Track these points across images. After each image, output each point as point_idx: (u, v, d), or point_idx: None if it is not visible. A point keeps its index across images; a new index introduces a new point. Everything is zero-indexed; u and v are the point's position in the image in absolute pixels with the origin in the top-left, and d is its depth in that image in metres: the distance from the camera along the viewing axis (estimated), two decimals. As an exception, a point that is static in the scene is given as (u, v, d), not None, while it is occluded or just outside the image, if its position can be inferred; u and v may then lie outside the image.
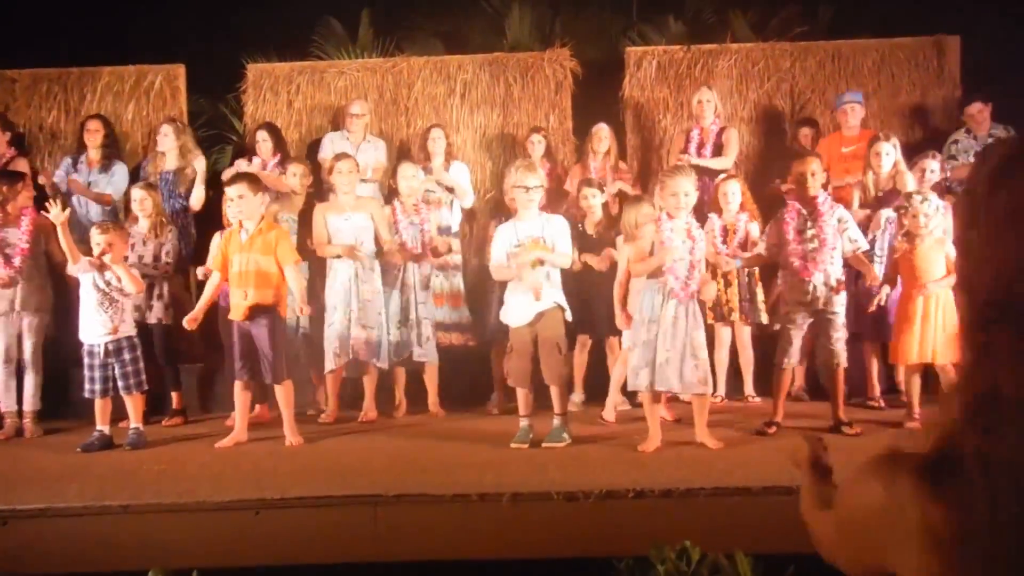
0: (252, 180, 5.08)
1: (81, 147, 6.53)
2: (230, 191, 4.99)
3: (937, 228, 4.80)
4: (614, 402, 5.31)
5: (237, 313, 4.97)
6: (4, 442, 5.41)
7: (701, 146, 6.43)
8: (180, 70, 7.43)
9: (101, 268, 5.00)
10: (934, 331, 4.74)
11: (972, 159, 6.12)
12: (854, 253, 4.85)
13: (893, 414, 5.16)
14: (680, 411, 5.18)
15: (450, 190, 6.38)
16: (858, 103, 6.46)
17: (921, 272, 4.79)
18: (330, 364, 5.60)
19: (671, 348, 4.42)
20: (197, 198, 6.41)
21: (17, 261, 5.52)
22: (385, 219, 5.77)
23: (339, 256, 5.59)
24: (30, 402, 5.58)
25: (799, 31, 8.06)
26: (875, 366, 5.58)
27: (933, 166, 5.56)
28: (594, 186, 5.80)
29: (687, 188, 4.49)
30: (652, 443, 4.47)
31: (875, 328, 5.47)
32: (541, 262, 4.61)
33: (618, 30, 8.77)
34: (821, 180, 4.87)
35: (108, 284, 5.04)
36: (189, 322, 4.95)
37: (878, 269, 5.23)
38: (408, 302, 5.74)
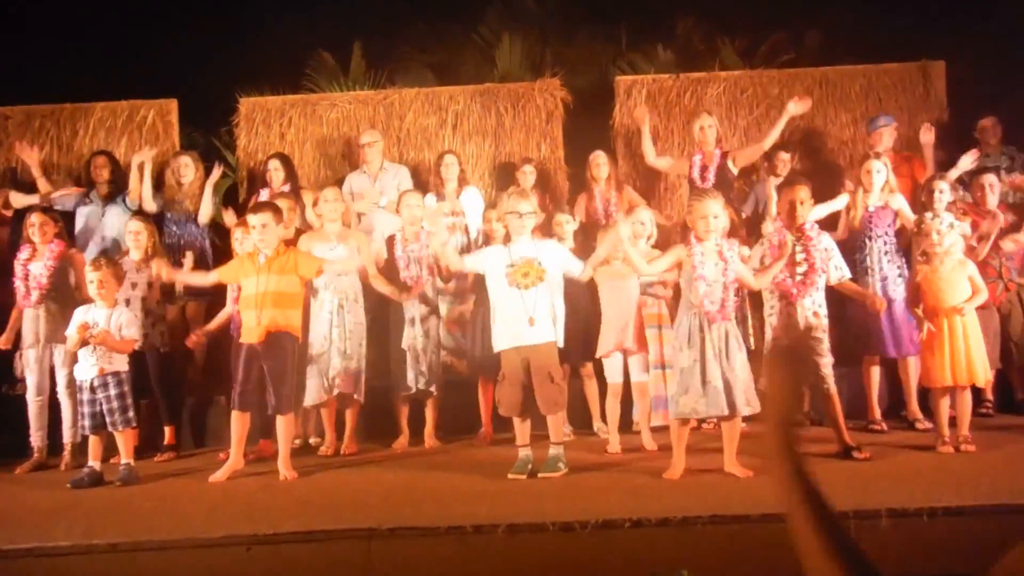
0: (275, 210, 5.09)
1: (88, 183, 6.62)
2: (253, 219, 4.97)
3: (955, 247, 4.83)
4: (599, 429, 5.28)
5: (251, 336, 4.89)
6: (22, 475, 5.38)
7: (704, 171, 6.47)
8: (173, 104, 7.47)
9: (85, 344, 4.97)
10: (964, 352, 4.73)
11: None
12: (840, 281, 4.93)
13: (897, 437, 5.13)
14: (662, 439, 5.14)
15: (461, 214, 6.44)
16: (892, 126, 6.53)
17: (945, 294, 4.79)
18: (311, 398, 5.55)
19: (719, 373, 4.38)
20: (205, 212, 6.48)
21: (35, 296, 5.53)
22: (371, 250, 5.76)
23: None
24: (69, 433, 5.56)
25: (787, 58, 8.16)
26: (875, 388, 5.56)
27: (942, 186, 5.59)
28: (566, 212, 5.90)
29: (716, 211, 4.51)
30: (677, 470, 4.44)
31: (872, 344, 5.47)
32: (540, 279, 4.61)
33: (608, 59, 8.85)
34: (809, 208, 4.92)
35: (96, 327, 5.02)
36: (197, 335, 4.91)
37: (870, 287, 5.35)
38: (415, 334, 5.71)
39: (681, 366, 4.48)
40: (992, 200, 5.85)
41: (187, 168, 6.59)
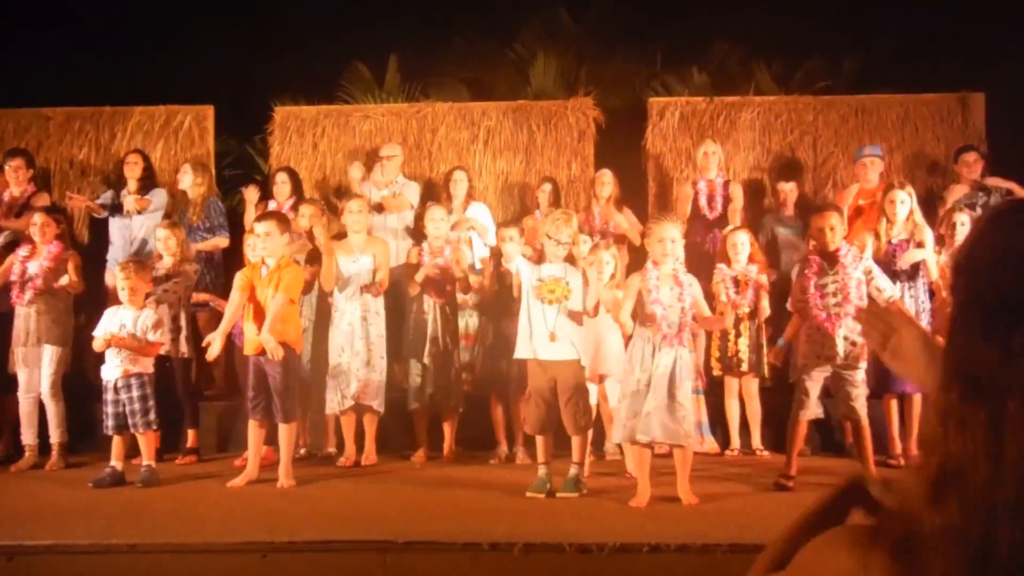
0: (280, 219, 5.14)
1: (121, 180, 6.68)
2: (258, 227, 5.04)
3: None
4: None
5: (250, 347, 4.99)
6: (18, 475, 5.41)
7: (710, 199, 6.42)
8: (209, 111, 7.57)
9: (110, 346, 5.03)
10: None
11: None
12: (889, 302, 4.74)
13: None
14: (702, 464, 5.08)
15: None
16: (877, 157, 6.44)
17: None
18: (332, 407, 5.56)
19: (658, 397, 4.32)
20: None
21: (28, 295, 5.60)
22: (388, 261, 5.79)
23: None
24: (55, 434, 5.61)
25: (823, 84, 8.09)
26: (895, 422, 5.45)
27: (963, 219, 5.50)
28: (512, 227, 5.76)
29: (673, 235, 4.47)
30: (642, 498, 4.34)
31: (888, 380, 5.37)
32: (565, 297, 4.59)
33: (642, 80, 8.83)
34: (841, 234, 4.83)
35: (122, 328, 5.08)
36: (211, 353, 4.94)
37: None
38: (434, 345, 5.70)
39: (630, 390, 4.41)
40: (959, 239, 5.59)
41: (185, 175, 6.62)
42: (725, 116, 7.44)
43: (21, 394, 5.67)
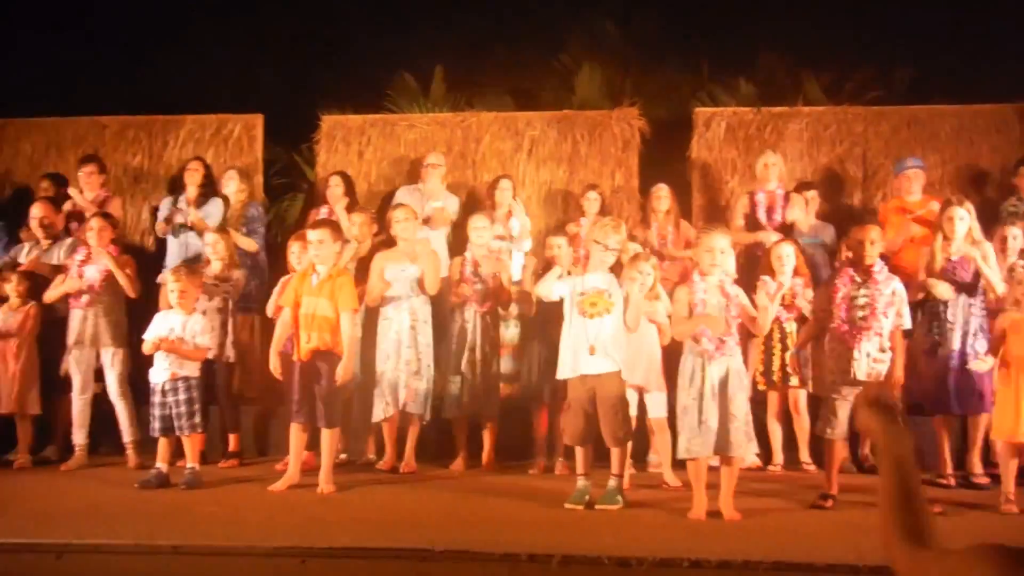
0: (334, 228, 5.20)
1: (180, 187, 6.78)
2: (311, 235, 5.09)
3: None
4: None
5: (301, 354, 5.02)
6: (68, 474, 5.54)
7: (771, 211, 6.33)
8: (258, 119, 7.69)
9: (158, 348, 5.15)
10: None
11: None
12: (896, 329, 4.66)
13: (964, 494, 4.88)
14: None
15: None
16: (920, 168, 6.30)
17: None
18: (379, 414, 5.59)
19: (713, 410, 4.28)
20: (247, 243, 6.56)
21: (85, 298, 5.73)
22: (435, 270, 5.80)
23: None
24: (128, 432, 5.75)
25: (874, 95, 7.95)
26: (946, 442, 5.28)
27: (1015, 232, 5.36)
28: (560, 236, 5.77)
29: (722, 245, 4.42)
30: (699, 510, 4.32)
31: (940, 401, 5.22)
32: (608, 310, 4.55)
33: (688, 90, 8.78)
34: (880, 249, 4.75)
35: (171, 332, 5.18)
36: (274, 370, 5.01)
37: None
38: (473, 354, 5.72)
39: (682, 404, 4.38)
40: (1011, 255, 5.41)
41: (230, 181, 6.72)
42: (772, 127, 7.34)
43: (75, 395, 5.79)
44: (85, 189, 6.66)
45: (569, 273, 5.15)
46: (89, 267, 5.80)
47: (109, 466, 5.70)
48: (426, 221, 6.51)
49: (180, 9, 10.08)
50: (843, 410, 4.62)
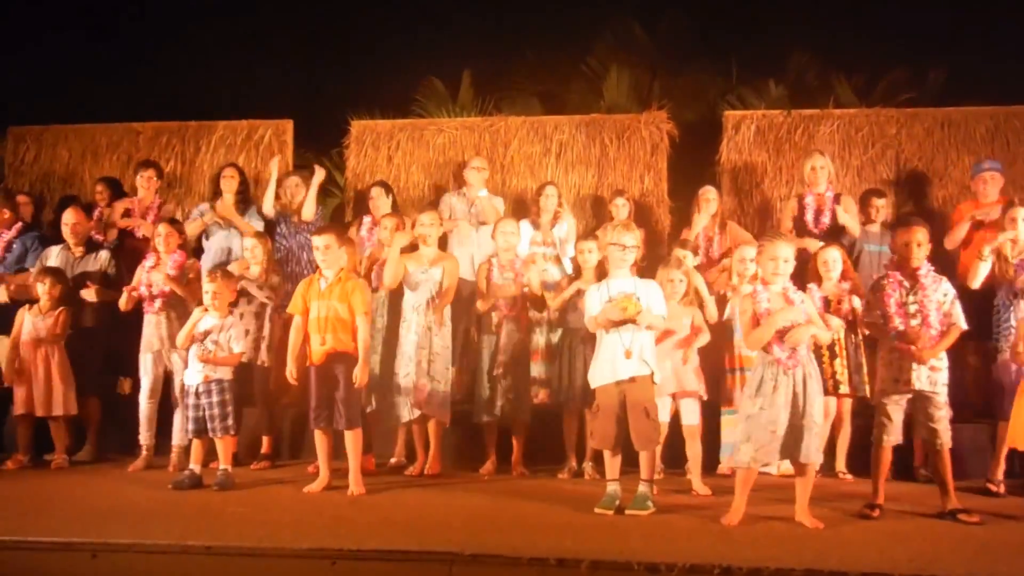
0: (339, 233, 5.25)
1: (216, 193, 6.85)
2: (317, 240, 5.14)
3: None
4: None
5: (315, 357, 5.08)
6: (118, 475, 5.62)
7: (819, 214, 6.27)
8: (288, 125, 7.78)
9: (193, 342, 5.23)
10: None
11: None
12: (952, 328, 4.52)
13: (1013, 503, 4.78)
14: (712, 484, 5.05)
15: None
16: (997, 171, 6.18)
17: None
18: (406, 415, 5.62)
19: (784, 421, 4.23)
20: (309, 209, 6.66)
21: (157, 303, 5.83)
22: (456, 276, 5.81)
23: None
24: (177, 436, 5.79)
25: (906, 97, 7.86)
26: (1003, 447, 5.13)
27: None
28: (591, 240, 5.75)
29: (786, 254, 4.35)
30: (735, 516, 4.28)
31: (994, 404, 5.14)
32: (633, 320, 4.53)
33: (717, 93, 8.75)
34: (926, 251, 4.60)
35: (206, 336, 5.24)
36: (291, 374, 5.05)
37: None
38: (503, 359, 5.71)
39: (747, 413, 4.32)
40: None
41: (299, 188, 6.81)
42: (803, 129, 7.29)
43: (143, 399, 5.87)
44: (142, 192, 6.77)
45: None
46: (156, 273, 5.88)
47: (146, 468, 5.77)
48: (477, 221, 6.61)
49: (212, 17, 10.23)
50: (897, 416, 4.54)
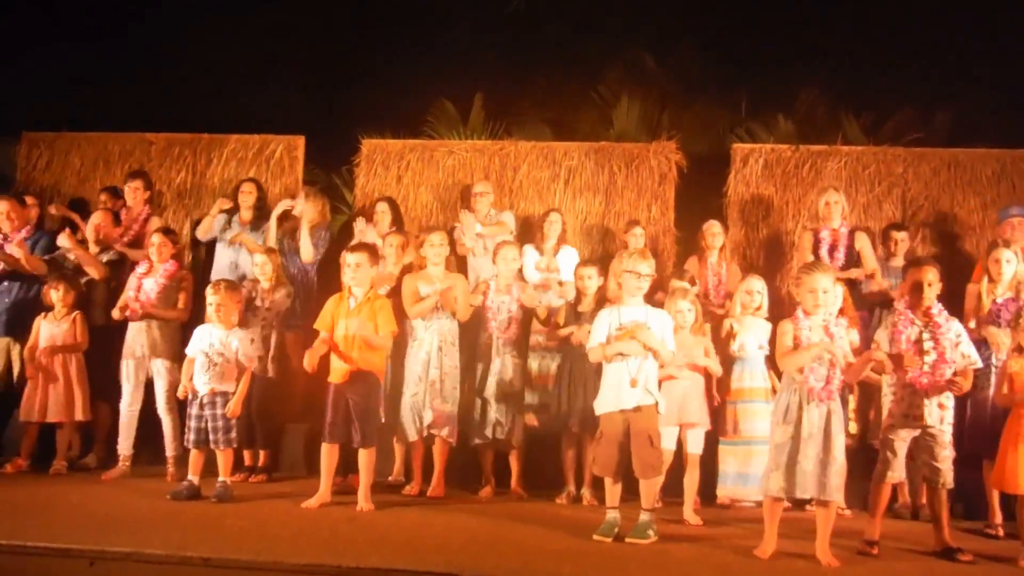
0: (372, 251, 5.29)
1: (234, 207, 6.90)
2: (349, 258, 5.18)
3: None
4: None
5: (337, 376, 5.09)
6: (108, 483, 5.61)
7: (833, 249, 6.31)
8: (300, 141, 7.83)
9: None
10: None
11: None
12: (966, 368, 4.54)
13: (1009, 545, 4.76)
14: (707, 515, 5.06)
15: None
16: None
17: None
18: (412, 435, 5.62)
19: (814, 452, 4.21)
20: (306, 251, 6.61)
21: (140, 312, 5.82)
22: (467, 294, 5.83)
23: (433, 308, 5.65)
24: (170, 447, 5.81)
25: (914, 137, 7.92)
26: (996, 490, 5.16)
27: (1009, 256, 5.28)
28: (590, 267, 5.79)
29: (825, 285, 4.35)
30: (768, 547, 4.27)
31: (989, 447, 5.13)
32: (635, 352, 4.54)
33: (726, 126, 8.81)
34: (937, 290, 4.63)
35: (211, 347, 5.26)
36: (309, 366, 5.02)
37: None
38: (498, 381, 5.73)
39: (776, 442, 4.32)
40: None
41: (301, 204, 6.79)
42: (811, 165, 7.34)
43: (123, 406, 5.87)
44: (130, 203, 6.81)
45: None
46: (148, 279, 5.91)
47: (145, 477, 5.74)
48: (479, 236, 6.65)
49: (227, 33, 10.33)
50: (901, 452, 4.53)
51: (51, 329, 5.98)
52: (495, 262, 5.98)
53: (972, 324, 5.33)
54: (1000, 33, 9.09)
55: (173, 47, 10.23)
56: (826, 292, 4.34)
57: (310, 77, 10.43)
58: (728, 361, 5.60)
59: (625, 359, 4.59)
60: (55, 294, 6.00)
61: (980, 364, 4.61)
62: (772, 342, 4.92)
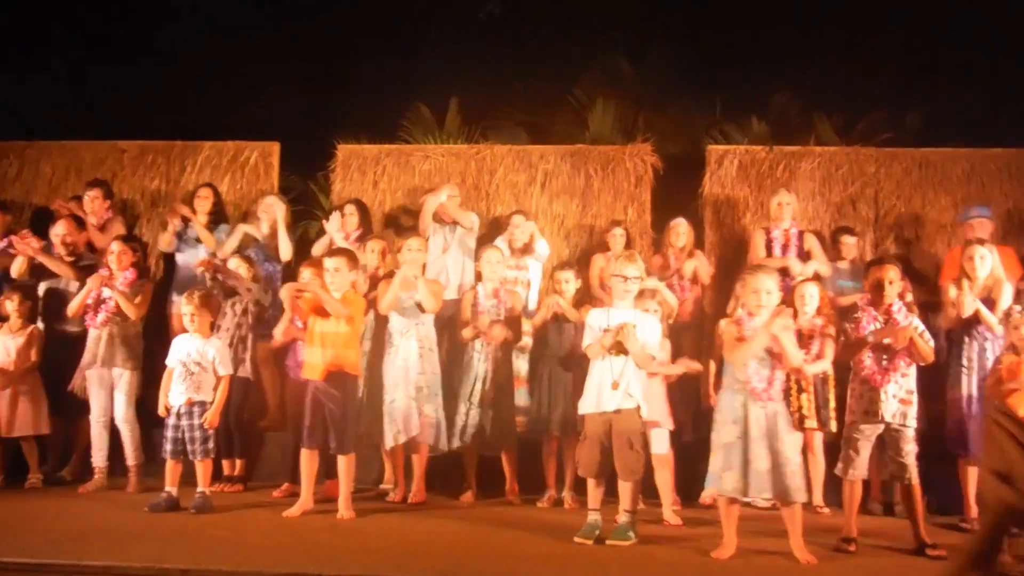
0: (350, 256, 5.27)
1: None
2: (328, 263, 5.17)
3: None
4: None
5: (313, 372, 5.06)
6: (84, 496, 5.54)
7: (785, 249, 6.38)
8: (275, 147, 7.78)
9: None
10: None
11: None
12: (909, 325, 4.60)
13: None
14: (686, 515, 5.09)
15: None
16: (986, 217, 6.28)
17: None
18: (389, 441, 5.60)
19: (764, 454, 4.23)
20: (285, 247, 6.59)
21: (101, 318, 5.76)
22: (441, 297, 5.83)
23: (395, 298, 5.64)
24: (131, 456, 5.74)
25: (885, 137, 8.02)
26: (972, 485, 5.23)
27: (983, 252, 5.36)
28: (568, 270, 5.86)
29: (769, 286, 4.41)
30: (727, 550, 4.29)
31: (959, 444, 5.21)
32: (624, 351, 4.56)
33: (700, 128, 8.87)
34: (898, 288, 4.72)
35: (188, 356, 5.22)
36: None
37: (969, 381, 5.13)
38: (485, 386, 5.72)
39: (723, 441, 4.33)
40: None
41: (270, 207, 6.78)
42: (784, 165, 7.40)
43: (93, 418, 5.79)
44: (90, 212, 6.73)
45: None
46: (106, 288, 5.84)
47: (122, 489, 5.69)
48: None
49: (200, 37, 10.26)
50: (864, 450, 4.60)
51: (5, 342, 5.89)
52: (479, 268, 5.98)
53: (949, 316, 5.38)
54: (968, 35, 9.23)
55: (146, 54, 10.15)
56: (769, 293, 4.38)
57: (285, 83, 10.38)
58: (718, 362, 5.63)
59: (610, 360, 4.60)
60: (9, 304, 5.92)
61: (932, 359, 4.66)
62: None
